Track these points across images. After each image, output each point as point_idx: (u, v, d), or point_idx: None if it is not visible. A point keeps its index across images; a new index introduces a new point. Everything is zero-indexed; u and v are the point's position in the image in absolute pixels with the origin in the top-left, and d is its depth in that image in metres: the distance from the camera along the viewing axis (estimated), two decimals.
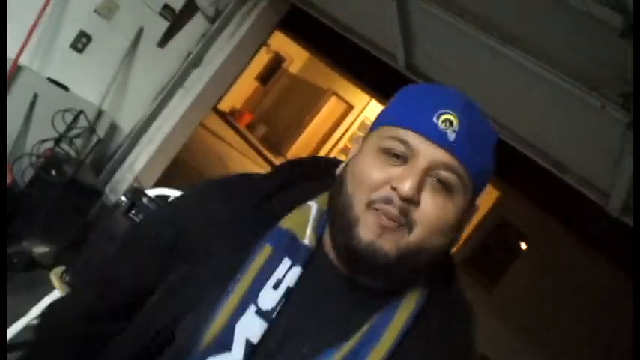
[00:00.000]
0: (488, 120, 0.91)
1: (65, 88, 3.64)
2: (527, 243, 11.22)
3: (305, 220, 0.93)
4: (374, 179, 0.85)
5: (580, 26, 2.06)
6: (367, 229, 0.84)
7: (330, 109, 16.00)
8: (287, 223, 0.92)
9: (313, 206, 0.95)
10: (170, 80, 4.27)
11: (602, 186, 2.78)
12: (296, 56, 16.85)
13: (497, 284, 11.05)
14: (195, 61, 4.32)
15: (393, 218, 0.83)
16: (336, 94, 15.67)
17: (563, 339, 9.23)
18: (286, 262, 0.89)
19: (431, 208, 0.84)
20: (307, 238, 0.91)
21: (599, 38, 2.03)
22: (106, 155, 4.20)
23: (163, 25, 4.03)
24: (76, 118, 3.60)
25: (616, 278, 7.75)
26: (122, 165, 4.26)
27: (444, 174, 0.84)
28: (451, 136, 0.84)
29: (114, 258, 1.04)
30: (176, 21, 4.08)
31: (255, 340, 0.85)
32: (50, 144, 3.53)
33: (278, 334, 0.87)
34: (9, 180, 3.16)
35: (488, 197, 12.16)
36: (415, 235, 0.84)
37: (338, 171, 0.94)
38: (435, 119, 0.84)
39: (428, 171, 0.83)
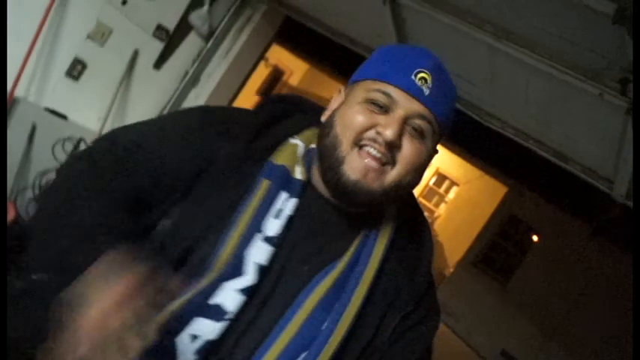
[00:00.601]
0: (450, 77, 1.09)
1: (63, 117, 3.65)
2: (537, 236, 11.20)
3: (294, 156, 1.07)
4: (361, 123, 1.01)
5: (573, 15, 2.04)
6: (353, 169, 1.00)
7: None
8: (279, 158, 1.05)
9: (299, 143, 1.10)
10: (169, 101, 4.27)
11: (606, 173, 2.77)
12: (295, 68, 16.88)
13: (512, 279, 11.02)
14: (192, 81, 4.31)
15: (377, 157, 1.00)
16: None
17: (580, 327, 9.15)
18: (283, 194, 1.02)
19: (410, 151, 1.02)
20: (299, 173, 1.06)
21: (592, 26, 2.01)
22: None
23: (158, 46, 4.04)
24: (76, 147, 3.60)
25: (627, 264, 7.69)
26: None
27: (419, 122, 1.02)
28: (426, 91, 1.01)
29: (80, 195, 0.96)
30: (170, 41, 4.08)
31: (265, 263, 0.97)
32: (52, 175, 3.50)
33: (282, 258, 1.00)
34: (12, 216, 3.15)
35: (495, 194, 12.15)
36: (396, 172, 1.02)
37: (324, 117, 1.10)
38: (412, 77, 1.01)
39: (406, 119, 1.01)
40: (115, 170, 0.98)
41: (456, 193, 14.89)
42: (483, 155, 10.07)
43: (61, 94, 3.66)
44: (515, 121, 3.10)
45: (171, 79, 4.24)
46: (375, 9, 3.04)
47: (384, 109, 1.02)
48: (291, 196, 1.03)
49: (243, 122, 1.08)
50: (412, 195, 1.19)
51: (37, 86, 3.54)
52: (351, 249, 1.05)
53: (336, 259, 1.04)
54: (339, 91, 1.12)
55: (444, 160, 14.51)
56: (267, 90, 17.19)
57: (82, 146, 3.65)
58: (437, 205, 15.26)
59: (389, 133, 0.99)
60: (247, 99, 15.93)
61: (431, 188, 15.30)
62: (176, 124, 1.09)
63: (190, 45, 4.21)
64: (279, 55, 15.72)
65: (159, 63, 4.10)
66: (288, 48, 12.20)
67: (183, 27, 4.09)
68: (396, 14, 3.02)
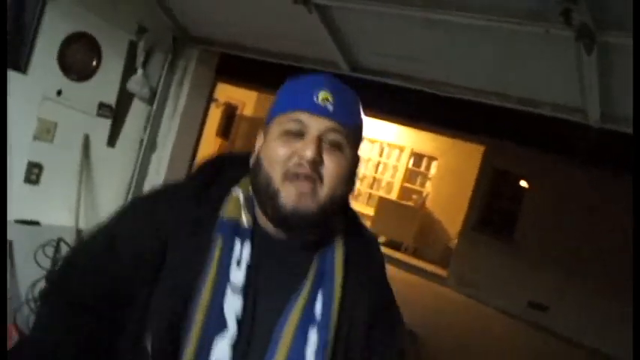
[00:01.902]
0: (348, 88, 1.19)
1: (36, 223, 3.57)
2: (527, 182, 11.25)
3: (238, 207, 1.17)
4: (283, 153, 1.11)
5: None
6: (288, 198, 1.09)
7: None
8: (226, 212, 1.16)
9: (240, 193, 1.20)
10: (133, 173, 4.21)
11: (575, 104, 2.77)
12: (246, 99, 16.88)
13: (515, 232, 11.06)
14: (150, 147, 4.26)
15: (307, 175, 1.09)
16: None
17: (595, 261, 9.18)
18: (237, 244, 1.12)
19: (332, 164, 1.11)
20: (246, 221, 1.16)
21: None
22: None
23: (106, 123, 3.98)
24: (57, 249, 3.53)
25: (617, 184, 7.73)
26: None
27: (332, 136, 1.12)
28: (330, 108, 1.12)
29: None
30: (117, 115, 4.02)
31: (239, 313, 1.08)
32: (42, 283, 3.43)
33: (251, 302, 1.10)
34: (15, 337, 3.06)
35: (474, 156, 12.20)
36: (326, 187, 1.11)
37: (252, 161, 1.19)
38: (315, 99, 1.12)
39: (320, 137, 1.11)
40: (82, 287, 1.19)
41: (437, 167, 14.92)
42: (451, 124, 10.12)
43: (25, 202, 3.58)
44: (473, 83, 3.08)
45: (129, 151, 4.18)
46: (304, 20, 3.02)
47: (299, 134, 1.12)
48: (244, 243, 1.13)
49: (183, 192, 1.20)
50: (353, 211, 1.28)
51: None
52: (311, 274, 1.15)
53: (299, 288, 1.14)
54: (259, 134, 1.23)
55: (415, 139, 14.56)
56: (225, 128, 17.14)
57: (63, 246, 3.57)
58: (422, 184, 15.27)
59: (309, 153, 1.08)
60: (210, 144, 15.89)
61: (412, 170, 15.31)
62: (122, 224, 1.25)
63: (137, 112, 4.16)
64: (226, 92, 15.70)
65: (112, 140, 4.03)
66: (233, 82, 12.20)
67: (125, 97, 4.04)
68: (326, 18, 3.01)
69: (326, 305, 1.12)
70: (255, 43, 3.85)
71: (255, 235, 1.16)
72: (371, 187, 15.11)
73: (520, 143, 9.48)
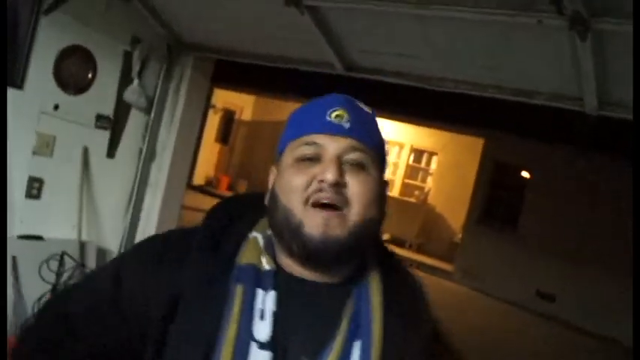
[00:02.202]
0: (364, 105, 1.09)
1: (39, 237, 3.57)
2: (528, 172, 11.26)
3: (258, 250, 1.03)
4: (301, 181, 0.99)
5: None
6: (313, 226, 0.96)
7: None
8: (244, 258, 1.02)
9: (258, 236, 1.07)
10: (133, 183, 4.21)
11: (572, 93, 2.76)
12: (243, 104, 16.92)
13: (519, 222, 11.08)
14: (149, 156, 4.26)
15: (331, 204, 0.97)
16: None
17: (602, 246, 9.18)
18: (260, 292, 0.98)
19: (357, 184, 0.99)
20: (267, 264, 1.02)
21: None
22: None
23: (104, 135, 3.98)
24: (61, 262, 3.53)
25: (617, 168, 7.74)
26: None
27: (353, 155, 1.00)
28: (345, 125, 1.01)
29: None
30: (115, 126, 4.03)
31: None
32: (48, 297, 3.44)
33: (281, 356, 0.95)
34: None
35: (474, 149, 12.20)
36: (355, 211, 0.98)
37: (267, 199, 1.07)
38: (328, 117, 1.01)
39: (340, 157, 0.99)
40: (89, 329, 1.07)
41: (437, 162, 14.93)
42: (449, 119, 10.14)
43: (28, 216, 3.58)
44: (468, 76, 3.08)
45: (129, 162, 4.18)
46: (297, 22, 3.02)
47: (316, 158, 1.01)
48: (267, 290, 0.99)
49: (195, 241, 1.06)
50: (382, 243, 1.14)
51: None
52: (345, 321, 0.99)
53: (333, 333, 0.98)
54: (272, 170, 1.11)
55: (414, 136, 14.57)
56: (225, 133, 17.19)
57: (67, 260, 3.58)
58: (423, 180, 15.29)
59: (329, 176, 0.97)
60: (210, 150, 15.94)
61: (412, 166, 15.33)
62: (128, 271, 1.09)
63: (135, 122, 4.16)
64: (224, 98, 15.74)
65: (111, 151, 4.04)
66: (230, 88, 12.22)
67: (122, 108, 4.05)
68: (318, 19, 3.00)
69: (364, 352, 0.96)
70: (250, 48, 3.85)
71: (278, 280, 1.01)
72: None
73: (519, 134, 9.49)
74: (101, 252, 3.98)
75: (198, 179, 14.94)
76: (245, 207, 1.14)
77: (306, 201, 0.98)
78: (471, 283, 10.85)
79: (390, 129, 14.13)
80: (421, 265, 11.60)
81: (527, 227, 10.90)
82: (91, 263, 3.78)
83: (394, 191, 14.66)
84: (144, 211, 4.25)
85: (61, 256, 3.56)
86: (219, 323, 0.95)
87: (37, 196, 3.62)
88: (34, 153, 3.57)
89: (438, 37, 2.80)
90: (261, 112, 17.14)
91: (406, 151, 15.00)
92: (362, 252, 1.05)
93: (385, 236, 12.35)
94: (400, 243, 12.94)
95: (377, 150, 1.05)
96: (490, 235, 11.38)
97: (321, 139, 1.01)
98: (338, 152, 1.00)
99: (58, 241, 3.65)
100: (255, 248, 1.04)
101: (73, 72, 3.68)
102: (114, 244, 4.12)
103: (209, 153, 15.55)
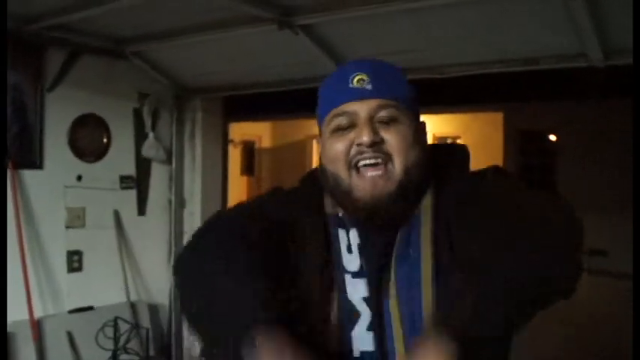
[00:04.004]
0: (383, 61, 1.16)
1: (90, 308, 3.61)
2: (555, 136, 11.09)
3: (332, 203, 1.16)
4: (341, 148, 1.09)
5: None
6: (362, 189, 1.07)
7: (318, 151, 16.11)
8: (328, 209, 1.17)
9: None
10: (170, 234, 4.24)
11: (576, 50, 2.72)
12: (261, 132, 16.95)
13: (557, 185, 10.90)
14: (179, 205, 4.29)
15: (373, 163, 1.06)
16: (314, 136, 15.69)
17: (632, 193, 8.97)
18: (342, 232, 1.13)
19: (393, 137, 1.07)
20: (340, 212, 1.14)
21: None
22: (164, 334, 4.14)
23: (132, 194, 4.03)
24: (116, 327, 3.56)
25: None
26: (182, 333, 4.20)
27: (382, 113, 1.08)
28: (368, 87, 1.08)
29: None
30: (140, 183, 4.07)
31: (366, 294, 1.08)
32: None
33: (369, 279, 1.09)
34: None
35: (495, 124, 12.06)
36: (398, 162, 1.07)
37: (319, 170, 1.18)
38: (351, 85, 1.09)
39: (370, 119, 1.07)
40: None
41: None
42: (464, 101, 10.04)
43: (74, 290, 3.62)
44: (472, 57, 3.05)
45: (160, 215, 4.22)
46: (293, 43, 3.04)
47: (350, 126, 1.09)
48: (348, 229, 1.12)
49: (310, 194, 1.21)
50: (444, 159, 1.20)
51: (50, 297, 3.51)
52: (402, 232, 1.09)
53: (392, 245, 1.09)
54: (318, 142, 1.22)
55: (434, 124, 14.44)
56: (248, 165, 17.25)
57: (120, 324, 3.60)
58: None
59: (365, 138, 1.05)
60: (237, 184, 16.00)
61: None
62: (261, 209, 1.22)
63: (159, 175, 4.21)
64: (241, 131, 15.81)
65: (141, 208, 4.08)
66: (244, 119, 12.28)
67: (143, 164, 4.10)
68: (314, 36, 3.01)
69: (414, 244, 1.08)
70: (254, 79, 3.86)
71: (353, 221, 1.13)
72: None
73: (536, 100, 9.37)
74: (153, 308, 4.01)
75: None
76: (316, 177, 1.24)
77: (350, 164, 1.08)
78: None
79: None
80: None
81: (566, 188, 10.72)
82: (145, 322, 3.81)
83: None
84: None
85: (115, 322, 3.59)
86: (326, 260, 1.12)
87: (79, 269, 3.66)
88: (67, 227, 3.62)
89: (433, 25, 2.78)
90: (280, 136, 17.15)
91: (429, 141, 14.90)
92: (414, 191, 1.10)
93: None
94: None
95: (404, 99, 1.12)
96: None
97: (349, 106, 1.09)
98: (368, 114, 1.07)
99: (108, 307, 3.68)
100: (330, 202, 1.16)
101: (88, 140, 3.74)
102: (163, 298, 4.15)
103: (237, 187, 15.59)
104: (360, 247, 1.11)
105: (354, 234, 1.12)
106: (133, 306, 3.79)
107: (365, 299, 1.08)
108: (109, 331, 3.56)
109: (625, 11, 2.21)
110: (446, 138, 15.06)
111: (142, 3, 2.70)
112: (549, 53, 2.84)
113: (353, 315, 1.08)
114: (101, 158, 3.82)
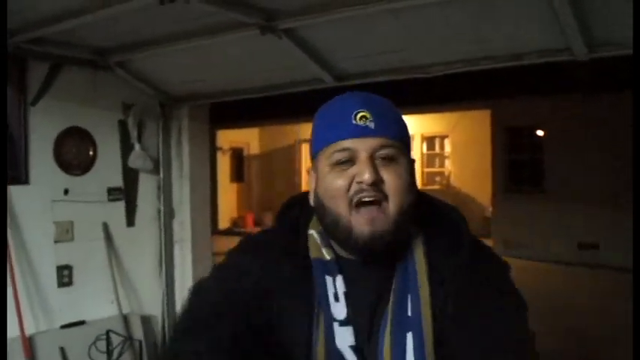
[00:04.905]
0: (380, 97, 1.20)
1: (81, 323, 3.57)
2: (542, 131, 11.14)
3: (317, 245, 1.19)
4: (341, 185, 1.12)
5: None
6: (361, 227, 1.10)
7: (308, 154, 16.14)
8: (312, 254, 1.19)
9: (314, 232, 1.21)
10: (160, 245, 4.21)
11: (559, 44, 2.73)
12: (249, 138, 16.97)
13: (544, 181, 10.95)
14: (168, 214, 4.26)
15: (372, 200, 1.10)
16: (304, 140, 15.74)
17: (621, 186, 9.03)
18: (329, 279, 1.15)
19: (392, 178, 1.11)
20: (327, 255, 1.17)
21: None
22: (157, 345, 4.11)
23: (120, 206, 3.99)
24: (108, 341, 3.52)
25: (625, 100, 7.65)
26: None
27: (383, 152, 1.11)
28: (370, 125, 1.12)
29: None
30: (128, 194, 4.04)
31: (354, 342, 1.10)
32: None
33: (358, 327, 1.12)
34: None
35: (483, 121, 12.11)
36: (394, 202, 1.10)
37: (311, 201, 1.21)
38: (354, 121, 1.12)
39: (372, 157, 1.11)
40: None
41: (450, 143, 14.85)
42: (451, 99, 10.08)
43: (65, 305, 3.58)
44: (456, 55, 3.05)
45: (150, 225, 4.19)
46: (277, 47, 3.02)
47: (350, 161, 1.12)
48: (335, 276, 1.15)
49: (275, 247, 1.21)
50: (428, 199, 1.25)
51: (41, 313, 3.47)
52: (396, 281, 1.14)
53: (388, 290, 1.14)
54: (309, 172, 1.24)
55: (422, 124, 14.49)
56: (238, 171, 17.24)
57: (113, 337, 3.57)
58: (441, 164, 15.21)
59: (367, 177, 1.08)
60: (227, 190, 15.99)
61: (427, 154, 15.26)
62: (231, 271, 1.22)
63: (146, 185, 4.17)
64: (229, 138, 15.81)
65: (130, 219, 4.05)
66: (231, 126, 12.27)
67: (130, 175, 4.06)
68: (297, 40, 3.00)
69: (415, 303, 1.11)
70: (239, 85, 3.85)
71: (341, 265, 1.17)
72: None
73: (522, 96, 9.41)
74: (145, 319, 3.98)
75: (224, 223, 14.97)
76: (299, 208, 1.28)
77: (351, 205, 1.11)
78: (513, 252, 10.69)
79: None
80: None
81: (554, 184, 10.78)
82: (138, 334, 3.77)
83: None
84: (177, 269, 4.25)
85: (107, 335, 3.56)
86: (312, 309, 1.14)
87: (69, 283, 3.62)
88: (56, 241, 3.58)
89: (417, 25, 2.77)
90: (268, 141, 17.20)
91: (418, 141, 14.92)
92: (406, 230, 1.16)
93: None
94: None
95: (401, 137, 1.16)
96: (520, 201, 11.26)
97: (351, 143, 1.11)
98: (369, 153, 1.11)
99: (100, 321, 3.65)
100: (315, 243, 1.20)
101: (74, 153, 3.70)
102: (155, 309, 4.11)
103: (227, 195, 15.58)
104: (347, 295, 1.13)
105: (340, 282, 1.15)
106: (125, 318, 3.76)
107: (352, 347, 1.11)
108: (102, 345, 3.52)
109: (607, 3, 2.21)
110: (434, 137, 15.11)
111: (120, 13, 2.68)
112: (533, 48, 2.86)
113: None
114: (88, 171, 3.78)
